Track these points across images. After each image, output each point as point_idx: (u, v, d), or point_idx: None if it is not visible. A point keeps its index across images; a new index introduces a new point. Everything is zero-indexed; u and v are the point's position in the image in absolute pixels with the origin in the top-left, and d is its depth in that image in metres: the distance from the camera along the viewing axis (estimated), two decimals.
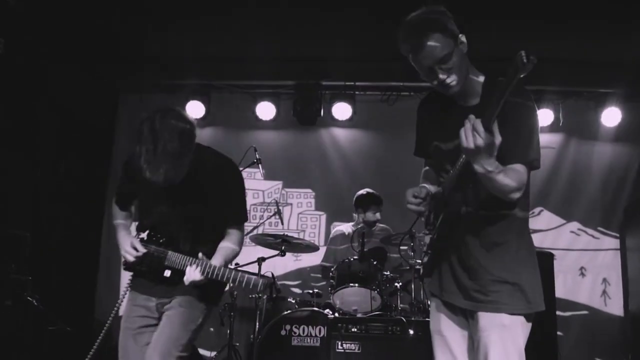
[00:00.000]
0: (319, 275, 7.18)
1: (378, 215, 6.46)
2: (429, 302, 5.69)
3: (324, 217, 7.75)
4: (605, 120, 7.34)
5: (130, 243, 3.53)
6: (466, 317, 2.81)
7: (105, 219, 7.68)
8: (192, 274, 3.26)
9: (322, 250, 6.81)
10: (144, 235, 3.59)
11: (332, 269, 5.83)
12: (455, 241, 2.78)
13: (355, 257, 5.72)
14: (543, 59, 6.26)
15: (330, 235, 6.95)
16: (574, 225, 7.45)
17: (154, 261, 3.50)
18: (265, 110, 7.65)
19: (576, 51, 6.75)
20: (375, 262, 5.69)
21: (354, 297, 5.55)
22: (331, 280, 5.77)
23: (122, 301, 3.84)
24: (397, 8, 2.80)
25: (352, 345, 4.89)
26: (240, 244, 3.61)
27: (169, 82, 7.74)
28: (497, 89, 2.19)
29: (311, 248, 6.33)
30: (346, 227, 6.71)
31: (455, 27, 2.63)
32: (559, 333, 6.30)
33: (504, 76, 2.20)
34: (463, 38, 2.63)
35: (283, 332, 5.47)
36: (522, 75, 2.09)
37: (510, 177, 2.44)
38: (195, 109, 7.60)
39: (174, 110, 3.33)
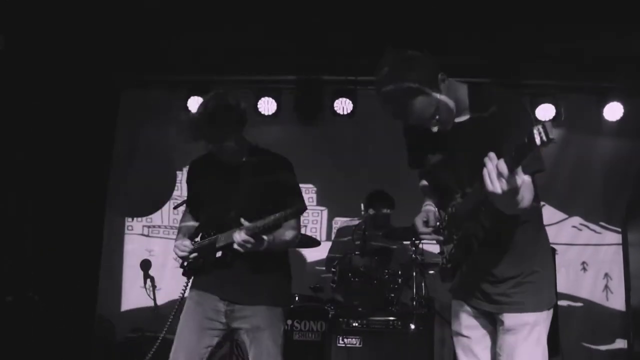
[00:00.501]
0: (321, 270, 7.19)
1: (389, 212, 6.47)
2: (431, 297, 5.71)
3: (325, 213, 7.75)
4: (607, 115, 7.31)
5: (180, 243, 3.64)
6: (487, 318, 2.85)
7: (106, 215, 7.70)
8: (238, 236, 3.27)
9: (324, 245, 6.82)
10: (198, 238, 3.66)
11: (334, 264, 5.83)
12: (472, 247, 2.79)
13: (357, 252, 5.73)
14: (544, 53, 6.32)
15: (337, 228, 6.94)
16: (576, 220, 7.45)
17: (207, 251, 3.55)
18: (267, 105, 7.64)
19: (577, 45, 6.72)
20: (377, 258, 5.70)
21: (355, 292, 5.55)
22: (333, 276, 5.77)
23: (180, 303, 3.83)
24: (399, 1, 2.80)
25: (353, 339, 4.90)
26: (297, 234, 3.64)
27: (169, 78, 7.73)
28: (520, 149, 2.09)
29: (312, 243, 6.33)
30: (352, 223, 6.71)
31: (433, 69, 2.58)
32: (560, 327, 6.30)
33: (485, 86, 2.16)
34: (442, 76, 2.60)
35: (284, 327, 5.48)
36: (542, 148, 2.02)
37: (526, 197, 2.40)
38: (196, 105, 7.58)
39: (223, 92, 3.66)
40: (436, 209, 2.94)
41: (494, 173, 2.18)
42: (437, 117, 2.61)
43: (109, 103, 7.88)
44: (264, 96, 7.60)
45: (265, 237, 3.34)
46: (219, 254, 3.49)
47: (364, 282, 5.53)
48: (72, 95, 6.93)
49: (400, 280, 5.68)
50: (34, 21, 6.10)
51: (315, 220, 7.75)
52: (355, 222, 6.61)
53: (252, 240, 3.25)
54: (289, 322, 5.48)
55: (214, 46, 7.17)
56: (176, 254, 3.65)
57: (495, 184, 2.19)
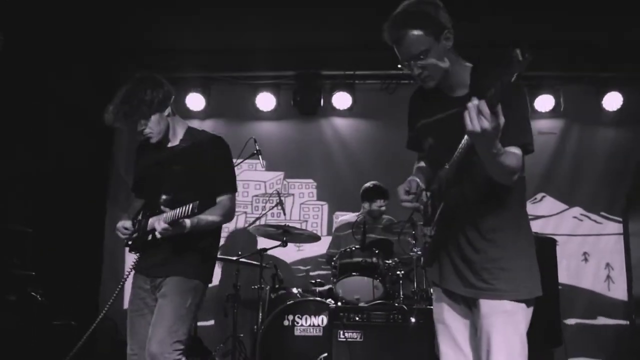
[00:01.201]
0: (322, 265, 7.21)
1: (383, 207, 6.49)
2: (431, 291, 5.71)
3: (326, 207, 7.75)
4: (607, 105, 7.31)
5: (121, 225, 3.72)
6: (468, 305, 2.82)
7: (107, 213, 7.71)
8: (157, 225, 3.40)
9: (324, 240, 6.82)
10: (140, 217, 3.73)
11: (335, 258, 5.84)
12: (454, 231, 2.79)
13: (357, 247, 5.73)
14: (542, 43, 6.30)
15: (336, 225, 6.96)
16: (577, 210, 7.44)
17: (142, 233, 3.65)
18: (265, 101, 7.65)
19: (576, 35, 6.71)
20: (377, 251, 5.70)
21: (356, 286, 5.55)
22: (333, 270, 5.79)
23: (123, 283, 3.97)
24: None
25: (354, 334, 4.89)
26: (225, 215, 3.69)
27: (168, 74, 7.62)
28: (498, 78, 2.16)
29: (313, 238, 6.35)
30: (351, 217, 6.73)
31: (443, 21, 2.66)
32: (562, 319, 6.31)
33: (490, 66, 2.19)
34: (449, 33, 2.67)
35: (286, 322, 5.51)
36: (518, 73, 2.07)
37: (510, 159, 2.45)
38: (195, 102, 7.63)
39: (138, 77, 3.76)
40: (419, 180, 2.93)
41: (474, 111, 2.21)
42: (425, 62, 2.65)
43: (108, 101, 7.86)
44: (262, 92, 7.61)
45: (187, 221, 3.42)
46: (150, 237, 3.59)
47: (365, 276, 5.54)
48: (71, 94, 6.93)
49: (400, 273, 5.69)
50: (31, 19, 6.10)
51: (316, 215, 7.76)
52: (352, 218, 6.62)
53: (170, 228, 3.36)
54: (291, 317, 5.51)
55: (211, 42, 7.17)
56: (118, 235, 3.75)
57: (474, 122, 2.21)
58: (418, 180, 2.89)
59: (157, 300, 3.59)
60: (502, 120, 2.23)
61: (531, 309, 2.72)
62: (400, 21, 2.65)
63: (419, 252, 5.59)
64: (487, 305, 2.67)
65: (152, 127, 3.66)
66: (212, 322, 7.32)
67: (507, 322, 2.63)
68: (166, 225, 3.36)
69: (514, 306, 2.65)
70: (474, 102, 2.22)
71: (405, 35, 2.63)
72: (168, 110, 3.72)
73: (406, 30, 2.62)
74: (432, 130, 2.87)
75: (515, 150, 2.52)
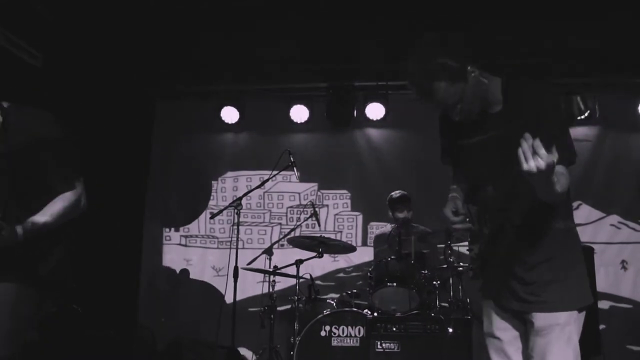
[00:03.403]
0: (358, 275, 7.23)
1: (405, 214, 6.48)
2: (468, 300, 5.70)
3: (360, 218, 7.76)
4: None
5: None
6: (518, 319, 2.82)
7: (145, 225, 7.82)
8: None
9: (359, 250, 6.87)
10: None
11: (370, 269, 5.86)
12: (502, 249, 2.79)
13: (393, 257, 5.74)
14: (577, 50, 6.25)
15: (373, 239, 6.95)
16: (614, 218, 7.35)
17: None
18: (299, 113, 7.71)
19: (611, 41, 6.65)
20: (412, 262, 5.70)
21: (392, 297, 5.56)
22: (369, 281, 5.80)
23: None
24: (427, 6, 2.84)
25: (392, 344, 4.91)
26: (66, 207, 3.15)
27: (203, 88, 7.83)
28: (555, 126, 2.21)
29: (348, 249, 6.37)
30: (386, 229, 6.73)
31: (464, 59, 2.62)
32: (602, 327, 6.24)
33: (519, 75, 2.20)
34: (472, 68, 2.63)
35: (323, 333, 5.52)
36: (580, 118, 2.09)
37: (561, 183, 2.43)
38: (230, 115, 7.71)
39: None
40: (461, 197, 2.94)
41: (529, 152, 2.20)
42: (459, 106, 2.66)
43: (144, 115, 8.01)
44: (296, 104, 7.66)
45: (18, 229, 2.91)
46: None
47: (401, 286, 5.54)
48: (108, 108, 7.06)
49: (436, 283, 5.68)
50: (69, 38, 6.23)
51: (350, 225, 7.78)
52: (388, 229, 6.62)
53: None
54: (327, 328, 5.52)
55: (245, 56, 7.24)
56: None
57: (530, 163, 2.20)
58: (460, 198, 2.92)
59: None
60: (556, 157, 2.21)
61: (583, 315, 2.71)
62: (423, 79, 2.62)
63: (454, 260, 5.60)
64: (540, 319, 2.66)
65: None
66: (249, 333, 7.35)
67: (561, 335, 2.63)
68: None
69: (567, 317, 2.65)
70: (528, 142, 2.20)
71: (434, 91, 2.61)
72: None
73: (432, 86, 2.60)
74: (472, 150, 2.85)
75: (562, 170, 2.49)
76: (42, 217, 3.03)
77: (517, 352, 2.83)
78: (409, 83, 2.69)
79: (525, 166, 2.22)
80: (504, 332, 2.87)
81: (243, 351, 7.05)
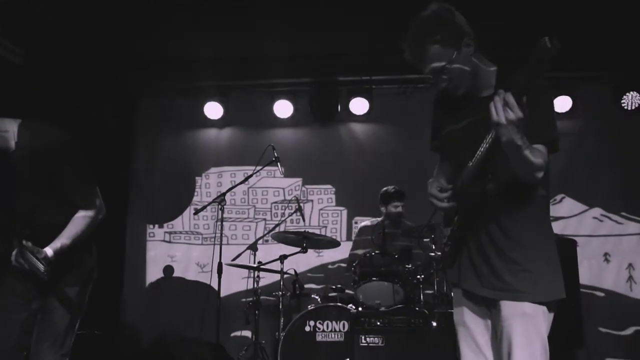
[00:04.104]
0: (342, 270, 7.23)
1: (400, 208, 6.49)
2: (452, 294, 5.71)
3: (345, 213, 7.76)
4: (625, 104, 7.26)
5: None
6: (488, 307, 2.80)
7: (128, 222, 7.78)
8: (13, 259, 3.20)
9: (344, 245, 6.85)
10: None
11: (354, 264, 5.86)
12: (475, 230, 2.78)
13: (377, 252, 5.74)
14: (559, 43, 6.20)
15: (357, 230, 6.96)
16: (597, 211, 7.39)
17: None
18: (283, 108, 7.69)
19: (591, 35, 6.67)
20: (397, 256, 5.71)
21: (376, 291, 5.57)
22: (354, 275, 5.80)
23: None
24: (411, 1, 2.84)
25: (376, 338, 4.91)
26: (87, 225, 3.48)
27: (186, 84, 7.80)
28: (523, 71, 2.19)
29: (333, 244, 6.36)
30: (371, 222, 6.73)
31: (461, 29, 2.67)
32: (585, 319, 6.27)
33: (515, 65, 2.23)
34: (469, 39, 2.67)
35: (307, 328, 5.51)
36: (546, 60, 2.10)
37: (535, 154, 2.45)
38: (213, 110, 7.68)
39: None
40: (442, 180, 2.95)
41: (499, 103, 2.25)
42: (447, 73, 2.68)
43: (127, 111, 7.97)
44: (279, 99, 7.65)
45: (48, 251, 3.23)
46: None
47: (385, 280, 5.55)
48: (90, 105, 7.00)
49: (421, 277, 5.70)
50: (51, 32, 6.17)
51: (335, 220, 7.77)
52: (376, 221, 6.63)
53: (26, 267, 3.15)
54: (312, 323, 5.52)
55: (228, 51, 7.22)
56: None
57: (500, 114, 2.25)
58: (441, 180, 2.91)
59: None
60: (525, 112, 2.25)
61: (552, 313, 2.69)
62: (417, 39, 2.66)
63: (439, 255, 5.60)
64: (507, 308, 2.64)
65: None
66: (234, 329, 7.35)
67: (528, 325, 2.61)
68: (22, 261, 3.17)
69: (534, 309, 2.62)
70: (500, 96, 2.25)
71: (426, 52, 2.65)
72: None
73: (425, 47, 2.64)
74: (460, 135, 2.85)
75: (541, 147, 2.53)
76: (68, 239, 3.36)
77: (487, 341, 2.82)
78: (404, 44, 2.72)
79: (494, 116, 2.27)
80: (474, 322, 2.85)
81: (228, 347, 7.04)
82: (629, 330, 7.10)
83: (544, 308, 2.65)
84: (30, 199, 3.34)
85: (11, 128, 3.26)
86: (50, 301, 3.43)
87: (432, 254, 5.63)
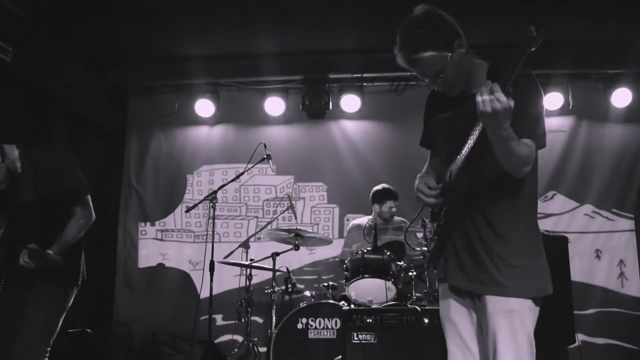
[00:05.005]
0: (334, 268, 7.24)
1: (394, 209, 6.51)
2: (438, 289, 5.71)
3: (336, 210, 7.76)
4: (616, 101, 7.30)
5: None
6: (474, 302, 2.80)
7: (120, 220, 7.76)
8: (21, 259, 3.71)
9: (336, 242, 6.87)
10: None
11: (346, 261, 5.86)
12: (461, 224, 2.78)
13: (369, 249, 5.75)
14: (550, 41, 6.24)
15: (349, 227, 6.97)
16: (588, 207, 7.41)
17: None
18: (274, 105, 7.68)
19: (583, 32, 6.68)
20: (388, 253, 5.72)
21: (368, 288, 5.58)
22: (345, 272, 5.81)
23: None
24: None
25: (368, 335, 4.90)
26: (80, 227, 3.99)
27: (177, 82, 7.78)
28: (510, 62, 2.22)
29: (325, 241, 6.37)
30: (363, 220, 6.74)
31: (451, 32, 2.67)
32: (576, 316, 6.29)
33: (507, 62, 2.24)
34: (460, 41, 2.67)
35: (300, 326, 5.53)
36: (532, 49, 2.12)
37: (522, 148, 2.47)
38: (204, 108, 7.67)
39: None
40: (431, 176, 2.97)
41: (486, 92, 2.26)
42: (442, 76, 2.68)
43: (118, 109, 7.95)
44: (271, 96, 7.64)
45: (55, 256, 3.77)
46: None
47: (377, 277, 5.55)
48: (81, 103, 6.98)
49: (412, 274, 5.70)
50: (40, 31, 6.15)
51: (327, 218, 7.77)
52: (364, 220, 6.63)
53: (33, 265, 3.69)
54: (304, 320, 5.53)
55: (219, 49, 7.20)
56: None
57: (486, 103, 2.26)
58: (430, 177, 2.92)
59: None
60: (512, 102, 2.26)
61: (538, 308, 2.69)
62: (410, 46, 2.66)
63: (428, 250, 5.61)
64: (492, 303, 2.65)
65: None
66: (226, 327, 7.33)
67: (514, 321, 2.61)
68: (28, 260, 3.71)
69: (520, 304, 2.63)
70: (487, 85, 2.26)
71: (419, 59, 2.65)
72: None
73: (418, 54, 2.64)
74: (445, 124, 2.87)
75: (528, 142, 2.54)
76: (66, 239, 3.87)
77: (473, 337, 2.82)
78: (396, 52, 2.71)
79: (480, 106, 2.29)
80: (460, 317, 2.86)
81: (220, 345, 7.04)
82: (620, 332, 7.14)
83: (530, 303, 2.66)
84: (33, 211, 3.85)
85: (18, 153, 3.90)
86: (34, 301, 3.79)
87: (424, 249, 5.63)
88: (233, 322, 7.05)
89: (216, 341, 6.99)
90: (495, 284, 2.66)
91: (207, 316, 5.55)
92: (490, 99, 2.26)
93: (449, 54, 2.64)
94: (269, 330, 5.91)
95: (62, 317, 3.94)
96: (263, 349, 6.33)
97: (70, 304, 4.00)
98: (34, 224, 3.85)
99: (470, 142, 2.56)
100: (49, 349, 3.84)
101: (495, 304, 2.65)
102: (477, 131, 2.49)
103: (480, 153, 2.55)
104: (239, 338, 6.62)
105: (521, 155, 2.48)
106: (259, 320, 7.17)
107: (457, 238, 2.81)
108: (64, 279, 3.94)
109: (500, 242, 2.68)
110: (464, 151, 2.62)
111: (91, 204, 4.11)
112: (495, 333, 2.62)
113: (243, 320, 6.21)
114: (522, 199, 2.72)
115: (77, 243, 4.01)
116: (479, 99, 2.29)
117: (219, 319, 7.14)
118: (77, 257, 4.07)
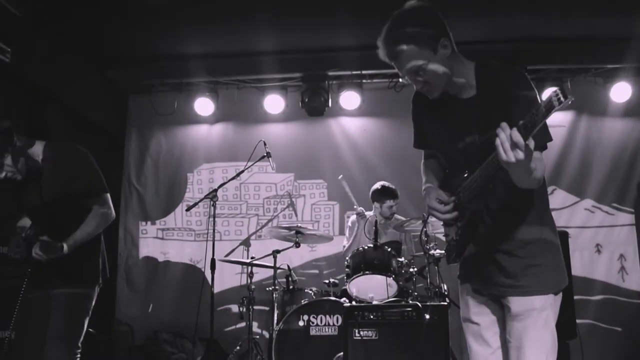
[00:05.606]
0: (335, 264, 7.25)
1: (394, 208, 6.51)
2: (444, 287, 5.73)
3: (337, 207, 7.76)
4: (615, 96, 7.30)
5: None
6: (495, 303, 2.83)
7: (120, 219, 7.77)
8: (34, 252, 3.77)
9: (336, 240, 6.87)
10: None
11: (347, 258, 5.87)
12: (479, 233, 2.79)
13: (370, 245, 5.76)
14: (549, 36, 6.28)
15: (350, 220, 6.96)
16: (588, 202, 7.41)
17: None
18: (274, 103, 7.67)
19: (582, 27, 6.68)
20: (389, 250, 5.73)
21: (369, 285, 5.59)
22: (347, 269, 5.81)
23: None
24: None
25: (369, 332, 4.91)
26: (97, 223, 4.02)
27: (176, 80, 7.77)
28: (533, 116, 2.12)
29: (325, 238, 6.38)
30: (368, 213, 6.72)
31: (437, 30, 2.62)
32: (577, 310, 6.30)
33: (492, 61, 2.19)
34: (445, 41, 2.62)
35: (301, 323, 5.54)
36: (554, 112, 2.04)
37: (538, 169, 2.43)
38: (204, 106, 7.67)
39: None
40: (435, 185, 2.94)
41: (507, 143, 2.17)
42: (422, 75, 2.63)
43: (117, 109, 7.95)
44: (270, 94, 7.64)
45: (64, 244, 3.79)
46: None
47: (378, 274, 5.56)
48: (81, 103, 6.98)
49: (413, 270, 5.72)
50: (40, 31, 6.14)
51: (327, 215, 7.78)
52: (368, 214, 6.63)
53: (45, 257, 3.73)
54: (306, 317, 5.54)
55: (218, 47, 7.19)
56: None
57: (509, 154, 2.18)
58: (439, 189, 2.88)
59: None
60: (533, 144, 2.20)
61: (560, 298, 2.72)
62: (392, 38, 2.61)
63: (434, 250, 5.62)
64: (517, 304, 2.67)
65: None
66: (228, 324, 7.34)
67: (538, 319, 2.64)
68: (40, 252, 3.75)
69: (543, 301, 2.65)
70: (506, 132, 2.17)
71: (400, 52, 2.60)
72: None
73: (400, 47, 2.59)
74: (445, 134, 2.84)
75: (538, 155, 2.47)
76: (81, 234, 3.89)
77: (495, 336, 2.84)
78: (378, 43, 2.68)
79: (503, 157, 2.20)
80: (481, 317, 2.88)
81: (222, 343, 7.04)
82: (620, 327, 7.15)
83: (551, 297, 2.68)
84: (51, 208, 3.88)
85: (39, 149, 3.95)
86: (56, 306, 3.82)
87: (426, 246, 5.64)
88: (234, 319, 7.08)
89: (218, 339, 7.00)
90: (517, 285, 2.68)
91: (208, 314, 5.55)
92: (513, 149, 2.17)
93: (431, 52, 2.59)
94: (271, 328, 5.92)
95: (87, 318, 3.97)
96: (265, 347, 6.35)
97: (93, 304, 4.04)
98: (51, 220, 3.85)
99: (484, 173, 2.52)
100: (79, 350, 3.89)
101: (519, 303, 2.67)
102: (492, 161, 2.41)
103: (493, 179, 2.53)
104: (241, 335, 6.60)
105: (538, 174, 2.44)
106: (261, 317, 7.18)
107: (477, 243, 2.82)
108: (84, 279, 3.96)
109: (519, 244, 2.69)
110: (476, 177, 2.58)
111: (110, 202, 4.14)
112: (520, 333, 2.65)
113: (244, 318, 6.23)
114: (535, 199, 2.72)
115: (94, 241, 4.03)
116: (500, 149, 2.20)
117: (220, 317, 7.15)
118: (96, 255, 4.08)
